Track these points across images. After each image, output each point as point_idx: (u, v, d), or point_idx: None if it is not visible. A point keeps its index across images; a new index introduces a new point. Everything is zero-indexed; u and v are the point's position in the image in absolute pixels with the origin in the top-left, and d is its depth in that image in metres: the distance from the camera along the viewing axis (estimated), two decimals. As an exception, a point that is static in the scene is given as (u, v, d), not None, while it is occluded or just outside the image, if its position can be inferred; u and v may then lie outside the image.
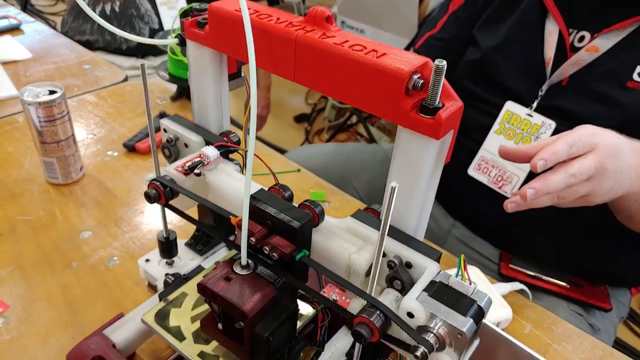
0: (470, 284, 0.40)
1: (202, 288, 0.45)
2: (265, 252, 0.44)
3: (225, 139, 0.56)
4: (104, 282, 0.71)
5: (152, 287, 0.67)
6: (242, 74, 0.61)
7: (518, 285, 0.72)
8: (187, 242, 0.66)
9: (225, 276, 0.46)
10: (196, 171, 0.51)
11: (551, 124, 0.85)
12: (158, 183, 0.51)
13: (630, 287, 0.99)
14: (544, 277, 0.90)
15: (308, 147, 1.96)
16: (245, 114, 0.55)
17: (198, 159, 0.52)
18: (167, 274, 0.61)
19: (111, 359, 0.54)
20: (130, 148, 0.95)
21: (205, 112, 0.57)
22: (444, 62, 0.36)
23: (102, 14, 1.71)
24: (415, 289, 0.40)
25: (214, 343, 0.51)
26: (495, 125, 0.91)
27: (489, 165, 0.92)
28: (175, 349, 0.51)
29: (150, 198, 0.51)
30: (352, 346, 0.50)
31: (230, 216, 0.47)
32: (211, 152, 0.53)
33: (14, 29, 1.38)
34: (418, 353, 0.38)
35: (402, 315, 0.40)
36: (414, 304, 0.39)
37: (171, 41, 0.54)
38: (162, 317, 0.53)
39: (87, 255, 0.75)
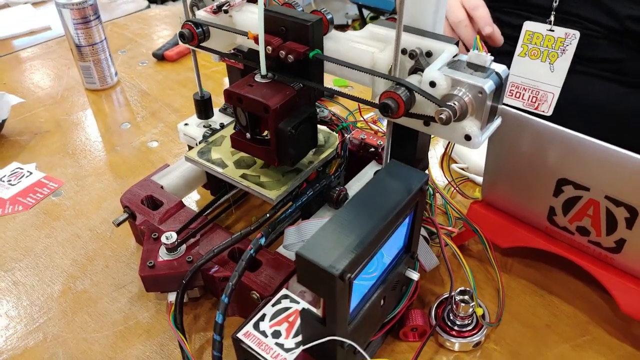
0: (487, 53, 0.43)
1: (228, 94, 0.49)
2: (282, 56, 0.48)
3: (250, -14, 0.59)
4: (147, 159, 0.76)
5: (192, 153, 0.72)
6: None
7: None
8: (221, 108, 0.70)
9: (248, 84, 0.50)
10: (224, 8, 0.55)
11: (576, 34, 0.83)
12: (191, 23, 0.55)
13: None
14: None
15: None
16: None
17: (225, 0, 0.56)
18: (207, 128, 0.65)
19: (162, 196, 0.59)
20: (160, 57, 0.99)
21: (229, -35, 0.60)
22: None
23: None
24: (436, 62, 0.43)
25: (255, 167, 0.55)
26: (518, 49, 0.89)
27: (520, 89, 0.90)
28: (218, 175, 0.55)
29: (184, 38, 0.55)
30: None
31: (248, 32, 0.50)
32: (237, -6, 0.56)
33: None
34: (442, 116, 0.41)
35: (425, 88, 0.43)
36: (436, 73, 0.42)
37: None
38: (204, 153, 0.58)
39: (129, 141, 0.80)
